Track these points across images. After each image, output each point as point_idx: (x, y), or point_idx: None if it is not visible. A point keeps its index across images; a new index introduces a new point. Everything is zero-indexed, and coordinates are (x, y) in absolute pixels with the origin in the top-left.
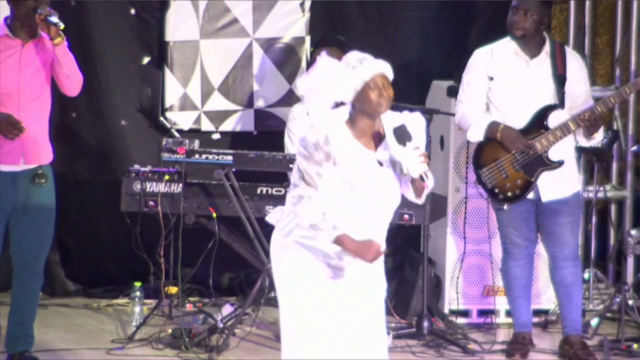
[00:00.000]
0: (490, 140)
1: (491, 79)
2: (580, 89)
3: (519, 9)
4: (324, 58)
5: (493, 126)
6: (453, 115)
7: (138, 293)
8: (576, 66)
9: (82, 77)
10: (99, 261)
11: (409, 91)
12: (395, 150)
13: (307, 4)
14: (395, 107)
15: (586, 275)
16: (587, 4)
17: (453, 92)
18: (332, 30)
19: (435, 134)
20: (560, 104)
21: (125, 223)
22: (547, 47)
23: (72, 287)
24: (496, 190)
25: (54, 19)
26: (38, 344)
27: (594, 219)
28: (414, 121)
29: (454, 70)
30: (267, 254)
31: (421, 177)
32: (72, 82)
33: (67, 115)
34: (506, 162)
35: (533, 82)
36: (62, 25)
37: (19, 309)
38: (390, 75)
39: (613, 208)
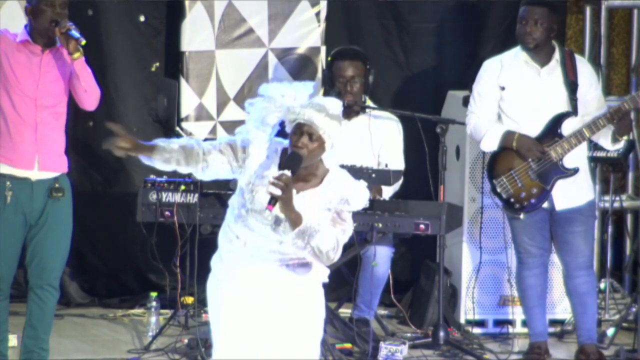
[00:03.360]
0: (504, 149)
1: (503, 88)
2: (591, 94)
3: (528, 19)
4: (281, 86)
5: (508, 135)
6: None
7: (154, 303)
8: (586, 72)
9: (100, 91)
10: (115, 271)
11: (424, 101)
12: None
13: (323, 14)
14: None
15: (602, 285)
16: (603, 14)
17: (468, 102)
18: (348, 40)
19: (451, 144)
20: (574, 111)
21: (141, 233)
22: (557, 55)
23: (88, 297)
24: (512, 200)
25: (76, 33)
26: (54, 354)
27: (609, 229)
28: (356, 190)
29: (470, 80)
30: None
31: (269, 201)
32: (90, 97)
33: (83, 125)
34: (521, 171)
35: (545, 91)
36: (83, 41)
37: (34, 323)
38: (324, 131)
39: (629, 218)
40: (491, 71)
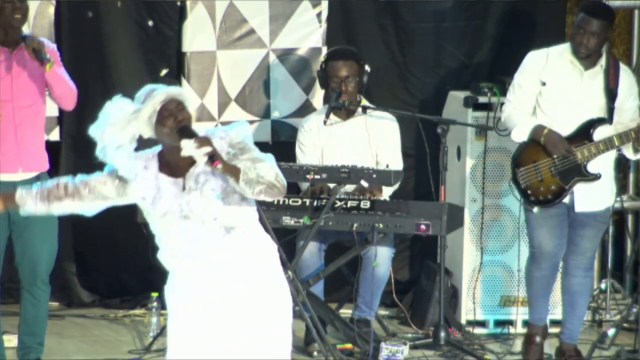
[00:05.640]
0: (533, 142)
1: (544, 84)
2: (629, 104)
3: (585, 29)
4: (112, 105)
5: (538, 129)
6: (470, 125)
7: (155, 303)
8: (628, 82)
9: (75, 91)
10: (115, 272)
11: (425, 102)
12: (184, 150)
13: (324, 15)
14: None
15: (603, 286)
16: None
17: (469, 103)
18: (348, 41)
19: (452, 144)
20: (609, 119)
21: (142, 234)
22: (602, 61)
23: (89, 297)
24: (529, 192)
25: (43, 54)
26: (55, 354)
27: (610, 230)
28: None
29: (470, 80)
30: (284, 263)
31: (210, 160)
32: (66, 100)
33: (83, 126)
34: (544, 165)
35: (584, 94)
36: (48, 65)
37: (29, 320)
38: (184, 97)
39: (630, 218)
40: (536, 63)
